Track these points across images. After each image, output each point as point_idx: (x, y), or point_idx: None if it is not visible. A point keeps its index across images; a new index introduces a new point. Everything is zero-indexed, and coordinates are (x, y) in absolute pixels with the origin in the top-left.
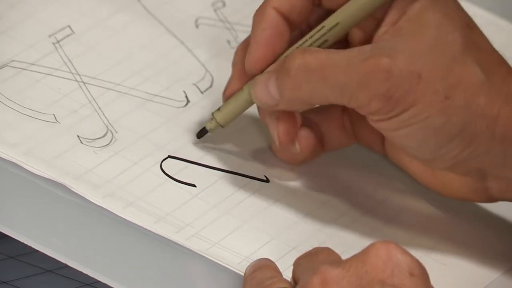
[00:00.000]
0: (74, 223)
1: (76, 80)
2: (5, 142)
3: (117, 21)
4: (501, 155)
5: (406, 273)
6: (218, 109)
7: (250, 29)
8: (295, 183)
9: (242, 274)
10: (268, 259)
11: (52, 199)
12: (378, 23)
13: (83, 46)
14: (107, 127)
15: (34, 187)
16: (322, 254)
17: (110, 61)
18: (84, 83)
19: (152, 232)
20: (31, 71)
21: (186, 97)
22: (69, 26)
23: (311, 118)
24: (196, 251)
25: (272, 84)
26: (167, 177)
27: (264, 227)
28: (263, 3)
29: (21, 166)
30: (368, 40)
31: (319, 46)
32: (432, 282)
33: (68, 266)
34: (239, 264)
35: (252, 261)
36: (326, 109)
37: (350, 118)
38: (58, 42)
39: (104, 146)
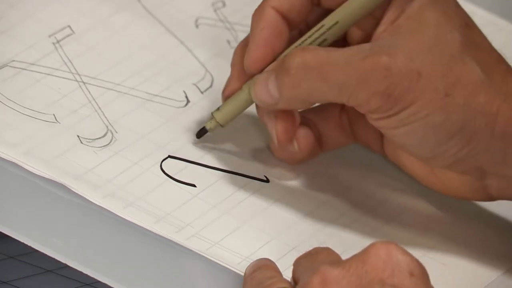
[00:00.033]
0: (74, 223)
1: (76, 80)
2: (5, 142)
3: (117, 21)
4: (500, 153)
5: (406, 273)
6: (218, 109)
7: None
8: (295, 183)
9: (242, 274)
10: (268, 259)
11: (52, 199)
12: (377, 22)
13: (83, 46)
14: (107, 127)
15: (34, 187)
16: (322, 254)
17: (110, 61)
18: (84, 83)
19: (152, 232)
20: (31, 71)
21: (186, 97)
22: (69, 26)
23: (309, 117)
24: (196, 251)
25: (272, 83)
26: (167, 177)
27: (264, 227)
28: (262, 2)
29: (21, 166)
30: (367, 38)
31: (318, 45)
32: (432, 282)
33: (68, 266)
34: (239, 264)
35: (252, 261)
36: (324, 108)
37: (349, 117)
38: (58, 42)
39: (104, 146)
